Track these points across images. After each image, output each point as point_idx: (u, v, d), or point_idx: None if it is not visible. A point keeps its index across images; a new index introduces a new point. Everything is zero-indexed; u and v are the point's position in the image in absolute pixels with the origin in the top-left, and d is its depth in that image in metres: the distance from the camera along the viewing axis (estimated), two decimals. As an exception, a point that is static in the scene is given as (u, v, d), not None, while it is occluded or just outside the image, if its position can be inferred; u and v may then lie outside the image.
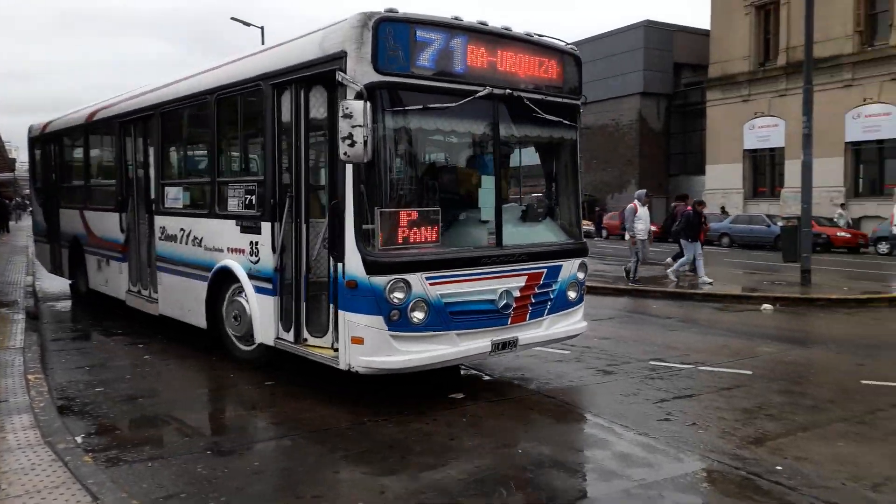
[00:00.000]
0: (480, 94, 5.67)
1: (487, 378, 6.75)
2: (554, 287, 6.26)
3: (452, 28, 5.60)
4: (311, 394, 6.09)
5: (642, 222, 13.81)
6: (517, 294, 5.92)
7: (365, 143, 4.96)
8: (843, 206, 27.34)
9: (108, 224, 9.48)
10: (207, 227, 7.23)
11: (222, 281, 6.98)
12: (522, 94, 6.00)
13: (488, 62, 5.81)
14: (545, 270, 6.17)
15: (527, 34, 6.20)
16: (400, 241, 5.30)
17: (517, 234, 6.16)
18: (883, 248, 23.67)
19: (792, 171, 27.77)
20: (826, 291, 12.76)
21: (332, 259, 5.63)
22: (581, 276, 6.57)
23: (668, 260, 15.27)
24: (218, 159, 7.30)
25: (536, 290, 6.10)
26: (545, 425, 5.40)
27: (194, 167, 8.24)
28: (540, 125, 6.29)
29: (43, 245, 12.87)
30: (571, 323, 6.54)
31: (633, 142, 38.41)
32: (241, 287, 6.62)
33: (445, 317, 5.49)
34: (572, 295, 6.48)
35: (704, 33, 35.45)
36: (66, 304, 11.29)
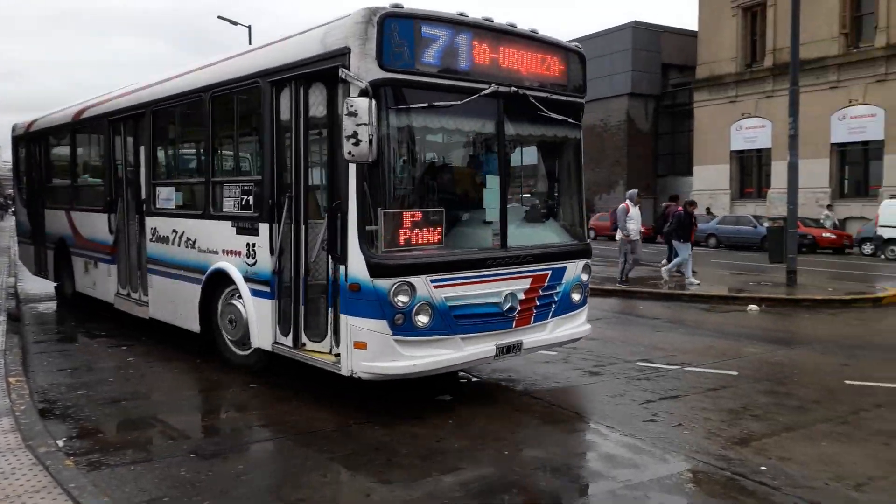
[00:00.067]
0: (486, 91, 5.56)
1: (475, 380, 6.74)
2: (558, 289, 6.16)
3: (458, 24, 5.48)
4: (296, 396, 6.06)
5: (634, 222, 13.80)
6: (522, 297, 5.81)
7: (370, 141, 4.82)
8: (829, 207, 27.57)
9: (96, 225, 9.32)
10: (201, 229, 7.09)
11: (217, 284, 6.84)
12: (528, 92, 5.89)
13: (494, 59, 5.69)
14: (550, 272, 6.07)
15: (532, 31, 6.10)
16: (404, 242, 5.19)
17: (521, 236, 6.06)
18: (867, 248, 23.89)
19: (778, 172, 27.98)
20: (811, 292, 12.86)
21: (330, 261, 5.53)
22: (585, 277, 6.49)
23: (664, 261, 15.32)
24: (212, 158, 7.14)
25: (541, 293, 6.00)
26: (532, 427, 5.40)
27: (187, 167, 8.11)
28: (545, 124, 6.18)
29: (27, 246, 12.71)
30: (575, 326, 6.45)
31: (622, 142, 38.53)
32: (237, 290, 6.48)
33: (450, 320, 5.37)
34: (576, 297, 6.39)
35: (692, 34, 35.62)
36: (48, 306, 11.18)
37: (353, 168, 5.09)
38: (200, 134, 7.33)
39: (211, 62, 7.32)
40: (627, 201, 14.07)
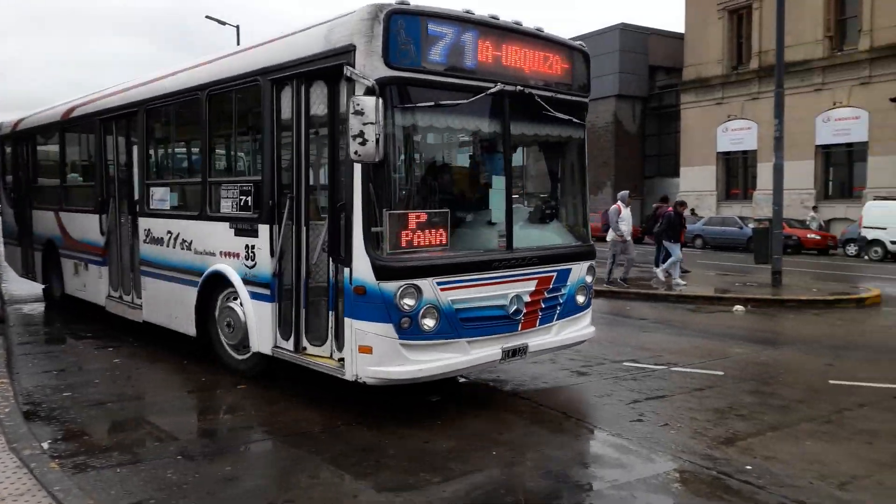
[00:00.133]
0: (492, 90, 5.48)
1: (463, 380, 6.75)
2: (563, 291, 6.09)
3: (464, 22, 5.39)
4: (284, 397, 6.04)
5: (625, 223, 13.85)
6: (527, 299, 5.74)
7: (377, 141, 4.73)
8: (814, 208, 27.86)
9: (86, 226, 9.14)
10: (198, 230, 6.94)
11: (214, 286, 6.70)
12: (534, 91, 5.82)
13: (500, 58, 5.61)
14: (555, 274, 6.00)
15: (537, 29, 6.03)
16: (409, 244, 5.08)
17: (527, 237, 5.99)
18: (851, 249, 24.15)
19: (764, 173, 28.22)
20: (796, 293, 12.97)
21: (331, 263, 5.45)
22: (589, 279, 6.43)
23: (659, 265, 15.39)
24: (209, 158, 7.00)
25: (546, 295, 5.92)
26: (519, 427, 5.41)
27: (183, 167, 7.97)
28: (550, 123, 6.10)
29: (13, 247, 12.56)
30: (580, 328, 6.38)
31: (609, 144, 38.68)
32: (235, 293, 6.35)
33: (456, 323, 5.28)
34: (581, 299, 6.32)
35: (679, 37, 35.83)
36: (34, 308, 11.07)
37: (358, 168, 4.99)
38: (196, 133, 7.17)
39: (207, 60, 7.15)
40: (619, 202, 14.10)
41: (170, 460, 4.57)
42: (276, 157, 5.93)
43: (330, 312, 5.48)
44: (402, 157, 5.34)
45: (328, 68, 5.33)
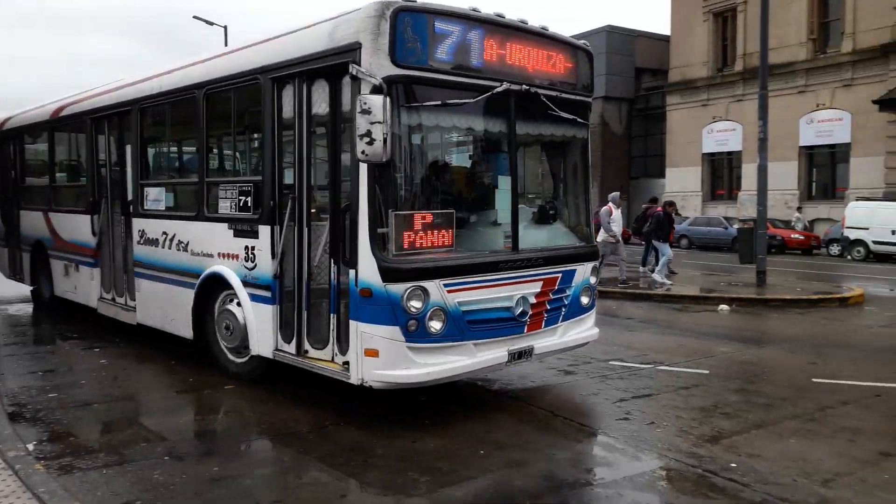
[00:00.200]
0: (498, 89, 5.43)
1: (450, 380, 6.76)
2: (568, 292, 6.05)
3: (471, 20, 5.33)
4: (272, 397, 6.03)
5: (616, 224, 13.91)
6: (533, 300, 5.68)
7: (384, 140, 4.64)
8: (799, 209, 28.15)
9: (77, 227, 8.99)
10: (194, 231, 6.81)
11: (212, 288, 6.57)
12: (540, 91, 5.78)
13: (506, 56, 5.57)
14: (560, 275, 5.94)
15: (542, 28, 6.00)
16: (416, 245, 5.01)
17: (532, 238, 5.94)
18: (834, 249, 24.43)
19: (749, 174, 28.42)
20: (780, 292, 13.10)
21: (332, 265, 5.39)
22: (594, 280, 6.41)
23: (651, 266, 15.48)
24: (206, 158, 6.90)
25: (551, 296, 5.87)
26: (507, 426, 5.43)
27: (179, 166, 7.87)
28: (555, 123, 6.08)
29: (0, 248, 12.45)
30: (584, 329, 6.32)
31: (595, 145, 38.68)
32: (234, 295, 6.24)
33: (463, 326, 5.21)
34: (585, 300, 6.27)
35: (665, 39, 36.06)
36: (19, 308, 10.96)
37: (364, 168, 4.91)
38: (193, 132, 7.04)
39: (203, 58, 7.04)
40: (610, 203, 14.15)
41: (157, 461, 4.55)
42: (276, 156, 5.85)
43: (332, 315, 5.42)
44: (408, 156, 5.26)
45: (332, 66, 5.25)
